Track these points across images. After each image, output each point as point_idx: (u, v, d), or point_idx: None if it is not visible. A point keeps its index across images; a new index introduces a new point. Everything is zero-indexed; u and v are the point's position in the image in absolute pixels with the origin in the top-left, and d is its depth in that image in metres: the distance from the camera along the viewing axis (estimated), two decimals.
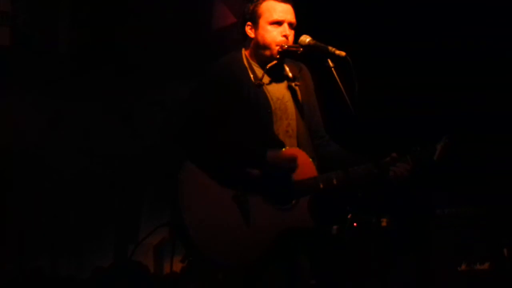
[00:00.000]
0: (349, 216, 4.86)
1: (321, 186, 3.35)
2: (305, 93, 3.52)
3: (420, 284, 4.83)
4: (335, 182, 3.35)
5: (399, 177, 3.38)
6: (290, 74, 3.50)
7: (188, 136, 3.38)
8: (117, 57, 6.45)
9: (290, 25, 3.44)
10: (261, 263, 3.31)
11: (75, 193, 6.42)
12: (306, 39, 3.38)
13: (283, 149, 3.37)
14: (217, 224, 3.29)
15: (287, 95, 3.48)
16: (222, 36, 6.21)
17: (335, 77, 3.28)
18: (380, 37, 5.58)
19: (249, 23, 3.46)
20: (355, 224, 4.85)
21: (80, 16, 6.53)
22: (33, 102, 6.24)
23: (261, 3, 3.44)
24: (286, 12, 3.44)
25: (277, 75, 3.49)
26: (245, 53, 3.50)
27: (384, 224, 4.89)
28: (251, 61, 3.48)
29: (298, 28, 3.46)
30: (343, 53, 3.27)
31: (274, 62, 3.44)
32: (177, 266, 5.97)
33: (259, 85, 3.41)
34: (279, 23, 3.42)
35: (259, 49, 3.46)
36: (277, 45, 3.41)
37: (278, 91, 3.47)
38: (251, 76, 3.44)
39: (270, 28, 3.42)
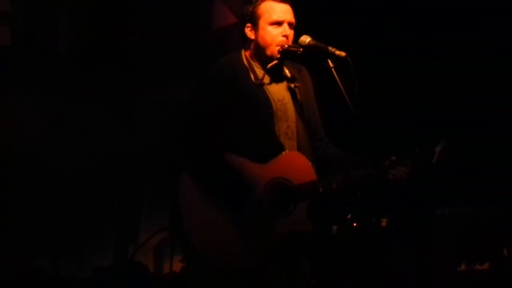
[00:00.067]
0: (349, 216, 4.86)
1: (321, 190, 3.34)
2: (304, 95, 3.52)
3: (420, 284, 4.82)
4: (334, 186, 3.35)
5: (398, 180, 3.39)
6: (289, 75, 3.50)
7: (188, 136, 3.38)
8: (117, 57, 6.45)
9: (290, 25, 3.44)
10: (260, 267, 3.30)
11: (75, 193, 6.43)
12: (306, 39, 3.38)
13: (283, 152, 3.37)
14: (216, 228, 3.29)
15: (287, 97, 3.48)
16: (222, 36, 6.21)
17: (335, 78, 3.28)
18: (380, 37, 5.58)
19: (248, 24, 3.46)
20: (355, 224, 4.85)
21: (80, 16, 6.54)
22: (33, 102, 6.24)
23: (259, 4, 3.44)
24: (285, 12, 3.44)
25: (277, 76, 3.49)
26: (245, 54, 3.50)
27: (384, 224, 4.89)
28: (251, 61, 3.48)
29: (298, 28, 3.46)
30: (343, 54, 3.27)
31: (275, 62, 3.44)
32: (177, 266, 5.98)
33: (260, 85, 3.41)
34: (279, 23, 3.42)
35: (260, 49, 3.46)
36: (277, 45, 3.41)
37: (278, 92, 3.47)
38: (252, 76, 3.44)
39: (270, 28, 3.42)
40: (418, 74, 5.55)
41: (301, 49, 3.37)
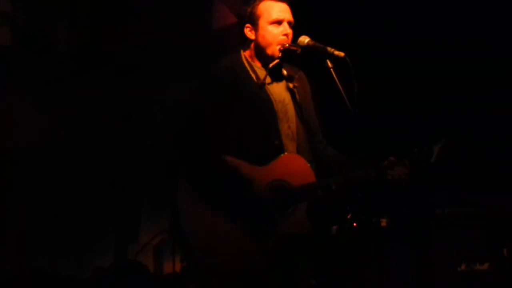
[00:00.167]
0: (349, 216, 4.86)
1: (320, 192, 3.34)
2: (303, 96, 3.52)
3: (420, 284, 4.83)
4: (333, 187, 3.34)
5: (397, 180, 3.38)
6: (287, 74, 3.50)
7: (188, 137, 3.38)
8: (117, 57, 6.46)
9: (289, 23, 3.44)
10: (259, 269, 3.30)
11: (75, 193, 6.43)
12: (305, 39, 3.38)
13: (282, 154, 3.37)
14: (215, 229, 3.28)
15: (288, 98, 3.48)
16: (222, 36, 6.21)
17: (334, 78, 3.28)
18: (380, 37, 5.58)
19: (248, 25, 3.46)
20: (355, 224, 4.85)
21: (80, 16, 6.54)
22: (33, 102, 6.25)
23: (258, 4, 3.44)
24: (284, 11, 3.44)
25: (277, 76, 3.49)
26: (244, 54, 3.50)
27: (384, 224, 4.89)
28: (251, 62, 3.48)
29: (297, 29, 3.46)
30: (342, 54, 3.27)
31: (276, 61, 3.44)
32: (177, 266, 5.98)
33: (262, 85, 3.41)
34: (279, 22, 3.43)
35: (260, 49, 3.46)
36: (278, 44, 3.41)
37: (279, 93, 3.47)
38: (253, 76, 3.44)
39: (270, 27, 3.42)
40: (417, 74, 5.55)
41: (300, 49, 3.37)
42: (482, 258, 4.67)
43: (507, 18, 5.37)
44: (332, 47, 3.30)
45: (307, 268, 3.47)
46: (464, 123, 5.27)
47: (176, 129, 3.43)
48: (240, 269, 3.30)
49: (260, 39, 3.44)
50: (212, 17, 6.51)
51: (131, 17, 6.53)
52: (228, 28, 6.23)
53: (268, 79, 3.43)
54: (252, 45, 3.47)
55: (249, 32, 3.46)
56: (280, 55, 3.41)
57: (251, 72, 3.44)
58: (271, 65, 3.43)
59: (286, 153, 3.37)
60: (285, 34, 3.41)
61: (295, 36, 3.42)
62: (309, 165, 3.38)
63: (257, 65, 3.47)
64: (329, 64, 3.29)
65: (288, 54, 3.42)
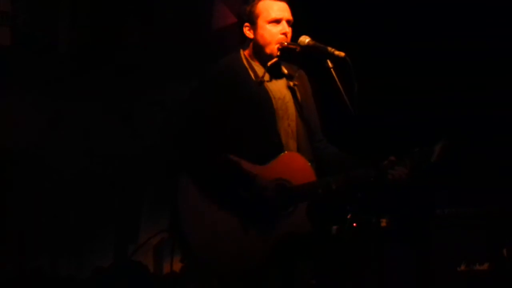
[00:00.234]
0: (348, 216, 4.86)
1: (320, 191, 3.34)
2: (303, 95, 3.53)
3: (420, 284, 4.82)
4: (334, 186, 3.35)
5: (397, 180, 3.38)
6: (287, 73, 3.51)
7: (188, 137, 3.38)
8: (117, 57, 6.45)
9: (288, 22, 3.45)
10: (260, 269, 3.30)
11: (75, 193, 6.41)
12: (305, 39, 3.39)
13: (282, 153, 3.37)
14: (215, 229, 3.29)
15: (288, 96, 3.49)
16: (222, 36, 6.20)
17: (334, 78, 3.28)
18: (380, 37, 5.58)
19: (247, 24, 3.47)
20: (354, 224, 4.85)
21: (80, 16, 6.53)
22: (33, 102, 6.23)
23: (257, 3, 3.45)
24: (283, 10, 3.45)
25: (276, 75, 3.49)
26: (244, 53, 3.51)
27: (384, 224, 4.89)
28: (250, 60, 3.49)
29: (297, 29, 3.46)
30: (342, 54, 3.28)
31: (275, 59, 3.45)
32: (177, 266, 5.97)
33: (261, 82, 3.42)
34: (277, 21, 3.44)
35: (259, 48, 3.47)
36: (277, 43, 3.42)
37: (279, 91, 3.47)
38: (252, 74, 3.45)
39: (269, 26, 3.43)
40: (417, 74, 5.55)
41: (299, 48, 3.38)
42: (482, 258, 4.67)
43: (507, 18, 5.37)
44: (332, 47, 3.30)
45: (307, 268, 3.48)
46: (464, 123, 5.26)
47: (176, 129, 3.44)
48: (240, 269, 3.30)
49: (259, 38, 3.45)
50: (212, 17, 6.50)
51: (131, 17, 6.52)
52: (228, 28, 6.23)
53: (267, 77, 3.43)
54: (251, 44, 3.48)
55: (248, 31, 3.47)
56: (278, 53, 3.42)
57: (250, 71, 3.45)
58: (269, 63, 3.44)
59: (286, 151, 3.38)
60: (284, 33, 3.42)
61: (295, 36, 3.43)
62: (309, 164, 3.38)
63: (257, 64, 3.48)
64: (330, 64, 3.29)
65: (287, 52, 3.43)
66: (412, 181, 3.42)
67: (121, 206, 6.66)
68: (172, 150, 3.49)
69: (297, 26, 3.47)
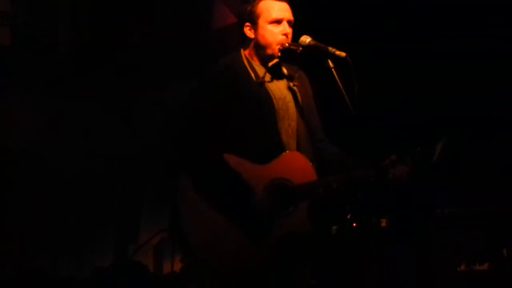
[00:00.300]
0: (348, 216, 4.86)
1: (321, 190, 3.34)
2: (304, 96, 3.52)
3: (420, 284, 4.82)
4: (334, 186, 3.34)
5: (398, 179, 3.38)
6: (287, 74, 3.51)
7: (188, 137, 3.38)
8: (117, 57, 6.45)
9: (289, 22, 3.45)
10: (260, 268, 3.30)
11: (75, 193, 6.42)
12: (306, 39, 3.38)
13: (283, 153, 3.37)
14: (215, 229, 3.29)
15: (289, 96, 3.49)
16: (222, 36, 6.21)
17: (335, 78, 3.28)
18: (380, 37, 5.58)
19: (247, 24, 3.46)
20: (354, 224, 4.85)
21: (80, 16, 6.53)
22: (33, 102, 6.24)
23: (258, 3, 3.44)
24: (284, 10, 3.44)
25: (277, 75, 3.49)
26: (244, 53, 3.50)
27: (384, 224, 4.89)
28: (251, 60, 3.49)
29: (298, 29, 3.46)
30: (343, 54, 3.27)
31: (276, 60, 3.44)
32: (177, 266, 5.98)
33: (261, 83, 3.42)
34: (278, 21, 3.43)
35: (260, 48, 3.46)
36: (278, 44, 3.41)
37: (280, 91, 3.47)
38: (252, 75, 3.44)
39: (270, 27, 3.43)
40: (417, 74, 5.55)
41: (301, 48, 3.37)
42: (482, 258, 4.67)
43: (507, 18, 5.37)
44: (333, 47, 3.30)
45: (307, 268, 3.47)
46: (464, 123, 5.27)
47: (176, 129, 3.44)
48: (240, 269, 3.30)
49: (260, 38, 3.44)
50: (212, 17, 6.51)
51: (131, 17, 6.53)
52: (228, 28, 6.23)
53: (267, 77, 3.43)
54: (252, 44, 3.47)
55: (248, 31, 3.46)
56: (279, 54, 3.42)
57: (250, 71, 3.45)
58: (270, 64, 3.44)
59: (287, 151, 3.37)
60: (285, 34, 3.41)
61: (296, 36, 3.43)
62: (310, 163, 3.38)
63: (257, 64, 3.47)
64: (330, 64, 3.29)
65: (288, 53, 3.43)
66: (413, 180, 3.41)
67: (121, 206, 6.67)
68: (172, 150, 3.49)
69: (298, 26, 3.46)
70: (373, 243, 4.82)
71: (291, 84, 3.49)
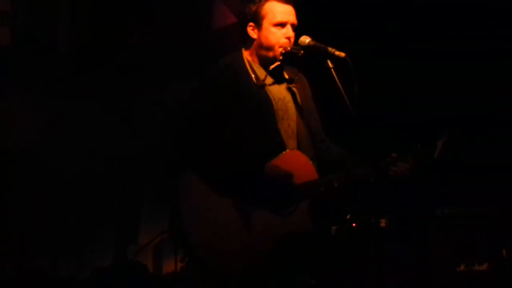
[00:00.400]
0: (348, 216, 4.86)
1: (322, 189, 3.34)
2: (303, 97, 3.52)
3: (420, 284, 4.82)
4: (335, 184, 3.34)
5: (399, 176, 3.37)
6: (287, 77, 3.51)
7: (188, 137, 3.38)
8: (117, 57, 6.46)
9: (292, 26, 3.44)
10: (260, 268, 3.30)
11: (75, 193, 6.43)
12: (305, 39, 3.38)
13: (284, 152, 3.37)
14: (216, 228, 3.29)
15: (288, 97, 3.49)
16: (222, 36, 6.21)
17: (334, 78, 3.28)
18: (380, 37, 5.58)
19: (251, 23, 3.44)
20: (354, 224, 4.85)
21: (80, 16, 6.54)
22: (33, 102, 6.25)
23: (263, 4, 3.42)
24: (289, 14, 3.43)
25: (277, 77, 3.49)
26: (245, 53, 3.49)
27: (383, 224, 4.89)
28: (252, 62, 3.48)
29: (298, 28, 3.46)
30: (342, 54, 3.27)
31: (277, 63, 3.44)
32: (177, 266, 5.98)
33: (262, 86, 3.41)
34: (282, 24, 3.41)
35: (262, 50, 3.45)
36: (280, 47, 3.41)
37: (279, 92, 3.47)
38: (253, 76, 3.44)
39: (274, 29, 3.41)
40: (417, 74, 5.55)
41: (302, 52, 3.37)
42: (481, 258, 4.67)
43: (507, 18, 5.37)
44: (332, 47, 3.30)
45: (307, 268, 3.47)
46: (464, 123, 5.26)
47: (176, 129, 3.43)
48: (240, 269, 3.30)
49: (263, 40, 3.43)
50: (212, 17, 6.51)
51: (131, 17, 6.53)
52: (228, 28, 6.23)
53: (268, 80, 3.43)
54: (254, 44, 3.46)
55: (251, 31, 3.45)
56: (281, 57, 3.41)
57: (250, 72, 3.44)
58: (271, 67, 3.43)
59: (288, 150, 3.38)
60: (288, 37, 3.41)
61: (296, 36, 3.43)
62: (311, 162, 3.38)
63: (257, 65, 3.47)
64: (330, 64, 3.29)
65: (290, 56, 3.42)
66: (414, 178, 3.41)
67: (121, 206, 6.68)
68: (172, 150, 3.49)
69: (298, 26, 3.46)
70: (373, 243, 4.81)
71: (291, 86, 3.49)
